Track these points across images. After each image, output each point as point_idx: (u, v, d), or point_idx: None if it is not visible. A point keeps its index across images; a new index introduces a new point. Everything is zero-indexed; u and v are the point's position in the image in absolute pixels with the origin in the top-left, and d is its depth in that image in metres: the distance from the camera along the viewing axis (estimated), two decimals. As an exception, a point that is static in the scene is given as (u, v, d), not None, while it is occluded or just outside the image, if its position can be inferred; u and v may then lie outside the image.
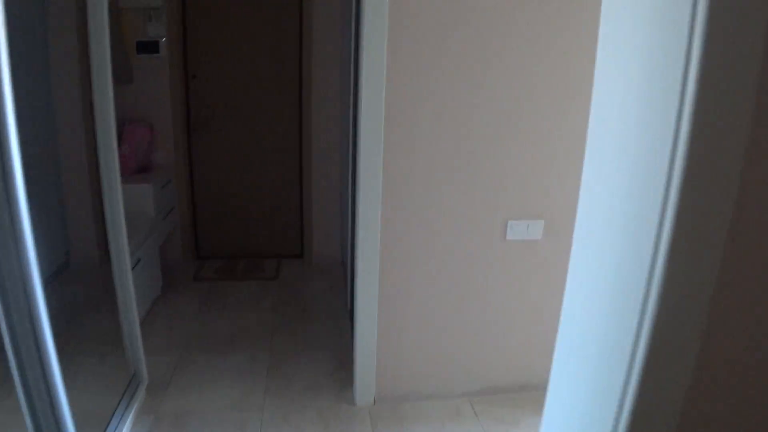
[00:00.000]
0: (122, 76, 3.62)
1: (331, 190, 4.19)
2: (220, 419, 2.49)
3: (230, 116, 4.09)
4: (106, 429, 2.15)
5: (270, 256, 4.43)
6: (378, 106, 2.20)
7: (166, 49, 3.78)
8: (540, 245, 2.55)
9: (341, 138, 3.93)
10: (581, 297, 1.02)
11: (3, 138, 1.18)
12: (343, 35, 3.61)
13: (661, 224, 0.73)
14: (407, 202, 2.39)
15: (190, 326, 3.27)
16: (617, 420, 0.84)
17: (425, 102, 2.27)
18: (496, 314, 2.63)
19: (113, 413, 2.25)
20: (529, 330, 2.69)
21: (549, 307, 2.66)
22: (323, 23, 3.86)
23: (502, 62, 2.27)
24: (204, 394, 2.65)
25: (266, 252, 4.43)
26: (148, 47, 3.76)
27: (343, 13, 3.63)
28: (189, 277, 3.98)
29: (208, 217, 4.30)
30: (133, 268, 2.89)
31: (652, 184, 0.74)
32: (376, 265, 2.43)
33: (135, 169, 3.68)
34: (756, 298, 0.80)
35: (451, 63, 2.24)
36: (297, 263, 4.36)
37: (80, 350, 2.90)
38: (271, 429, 2.43)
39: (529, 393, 2.72)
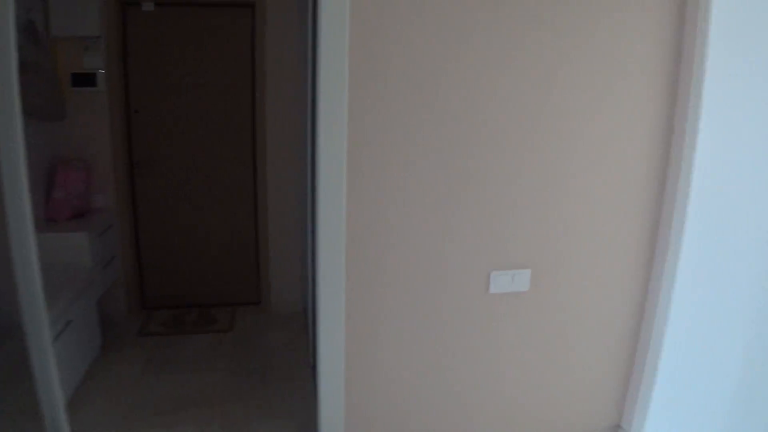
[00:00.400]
0: (54, 111, 3.26)
1: (290, 231, 3.87)
2: None
3: (177, 154, 3.75)
4: None
5: (224, 304, 4.05)
6: (339, 143, 1.93)
7: (105, 82, 3.43)
8: (527, 297, 2.29)
9: (301, 175, 3.63)
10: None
11: None
12: (301, 64, 3.35)
13: None
14: (374, 251, 2.10)
15: (132, 393, 2.87)
16: None
17: (394, 141, 2.00)
18: (480, 376, 2.34)
19: None
20: (516, 393, 2.41)
21: (539, 367, 2.39)
22: (278, 53, 3.59)
23: (483, 98, 2.03)
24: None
25: (220, 299, 4.05)
26: (85, 80, 3.41)
27: (301, 44, 3.37)
28: (133, 333, 3.58)
29: (155, 264, 3.91)
30: (60, 334, 2.51)
31: None
32: (341, 323, 2.12)
33: (70, 215, 3.29)
34: None
35: (424, 96, 1.98)
36: (254, 311, 4.00)
37: (-1, 429, 2.49)
38: None
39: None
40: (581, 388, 2.49)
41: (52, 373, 2.01)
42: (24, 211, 1.82)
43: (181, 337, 3.55)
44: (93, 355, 3.13)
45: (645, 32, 2.12)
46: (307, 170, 3.14)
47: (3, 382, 2.87)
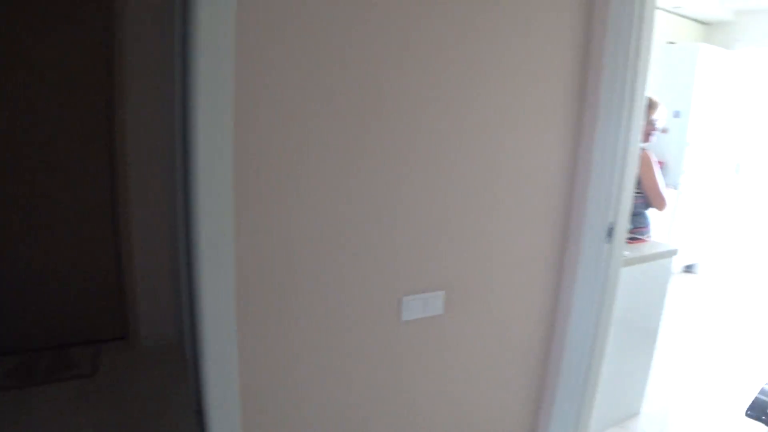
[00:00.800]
0: None
1: (160, 248, 3.40)
2: None
3: (13, 161, 3.13)
4: None
5: (84, 342, 3.48)
6: (223, 153, 1.60)
7: None
8: (442, 321, 2.11)
9: (172, 177, 3.19)
10: None
11: None
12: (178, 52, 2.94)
13: None
14: (268, 278, 1.77)
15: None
16: None
17: (290, 149, 1.70)
18: (396, 407, 2.13)
19: None
20: (434, 417, 2.23)
21: (457, 388, 2.24)
22: (145, 39, 3.12)
23: (389, 107, 1.80)
24: None
25: (78, 337, 3.47)
26: None
27: (177, 29, 2.95)
28: (-34, 390, 2.95)
29: (-8, 302, 3.26)
30: None
31: None
32: (233, 357, 1.78)
33: None
34: None
35: (324, 100, 1.71)
36: (121, 348, 3.48)
37: None
38: None
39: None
40: (498, 404, 2.39)
41: None
42: None
43: (31, 389, 2.98)
44: None
45: (555, 37, 2.02)
46: (177, 172, 2.74)
47: None
